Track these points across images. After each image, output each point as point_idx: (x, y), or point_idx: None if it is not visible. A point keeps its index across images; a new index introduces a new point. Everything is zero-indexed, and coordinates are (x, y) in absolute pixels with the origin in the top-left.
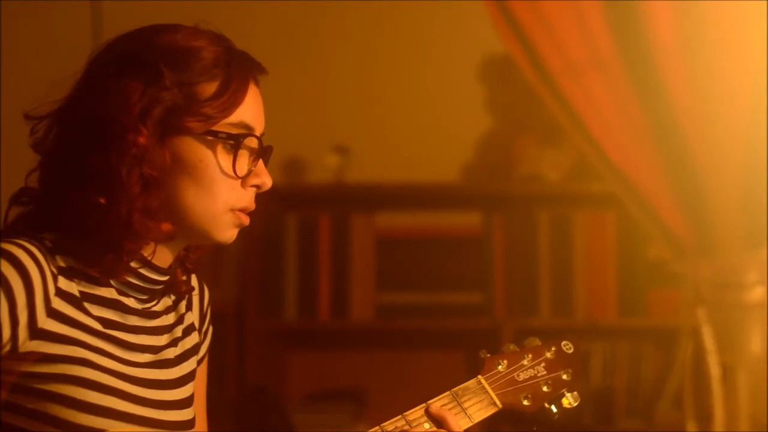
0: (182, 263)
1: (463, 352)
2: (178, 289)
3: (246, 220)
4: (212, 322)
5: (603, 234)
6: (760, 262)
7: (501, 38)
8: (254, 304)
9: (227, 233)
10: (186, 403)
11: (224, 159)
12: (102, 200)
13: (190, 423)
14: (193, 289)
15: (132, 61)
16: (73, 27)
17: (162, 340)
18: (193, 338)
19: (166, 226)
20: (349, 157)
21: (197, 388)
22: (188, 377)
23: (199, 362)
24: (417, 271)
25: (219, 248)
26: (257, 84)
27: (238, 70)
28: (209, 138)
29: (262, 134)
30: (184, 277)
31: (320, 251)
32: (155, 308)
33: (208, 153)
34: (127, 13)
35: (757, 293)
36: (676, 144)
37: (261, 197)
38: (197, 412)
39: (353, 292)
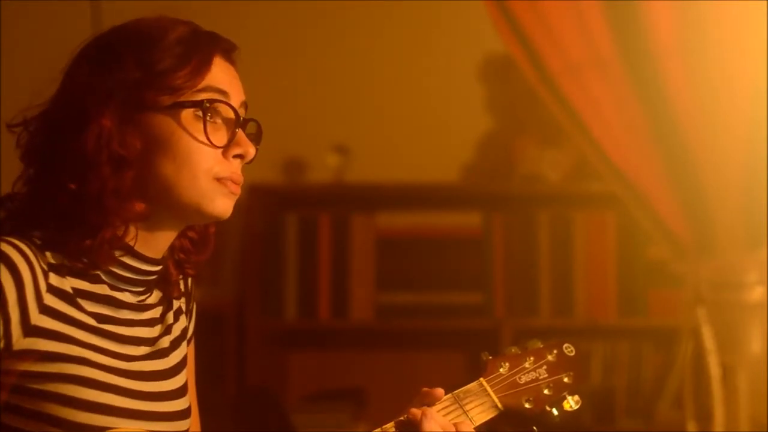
0: (182, 267)
1: (463, 353)
2: (170, 293)
3: (236, 189)
4: (212, 321)
5: (603, 234)
6: (760, 262)
7: (501, 38)
8: (254, 304)
9: (218, 203)
10: (181, 392)
11: (196, 129)
12: (73, 185)
13: (187, 412)
14: (185, 293)
15: (95, 52)
16: (73, 27)
17: (155, 331)
18: (182, 322)
19: (138, 206)
20: (349, 157)
21: (188, 369)
22: (182, 364)
23: (188, 342)
24: (417, 271)
25: (218, 246)
26: (231, 61)
27: (202, 43)
28: (177, 110)
29: (244, 103)
30: (180, 278)
31: (320, 251)
32: (148, 300)
33: (179, 125)
34: (127, 13)
35: (757, 293)
36: (676, 144)
37: (261, 197)
38: (189, 396)
39: (353, 292)
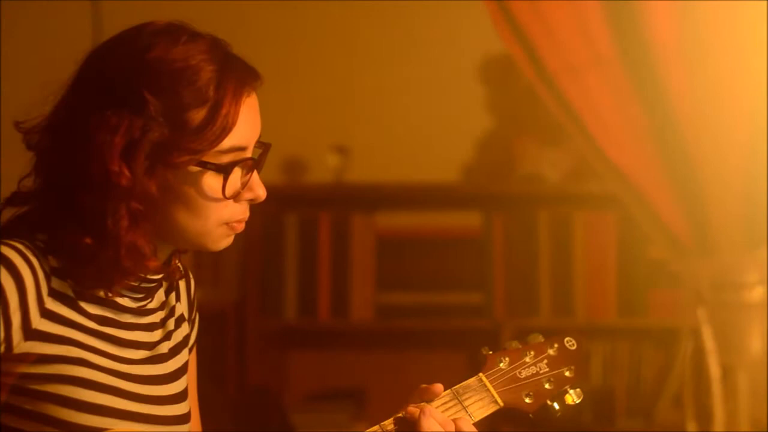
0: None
1: (463, 353)
2: (171, 278)
3: (240, 228)
4: (212, 321)
5: (603, 234)
6: (760, 262)
7: (501, 38)
8: (254, 304)
9: (222, 243)
10: (181, 396)
11: (215, 183)
12: (89, 240)
13: (186, 417)
14: (185, 274)
15: (117, 86)
16: (73, 27)
17: (155, 335)
18: (184, 329)
19: (152, 263)
20: (349, 157)
21: (188, 376)
22: (182, 370)
23: (190, 351)
24: (417, 271)
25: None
26: (254, 89)
27: (231, 88)
28: (198, 168)
29: (258, 139)
30: (178, 263)
31: (320, 251)
32: (149, 306)
33: (197, 181)
34: (127, 13)
35: (757, 293)
36: (676, 144)
37: None
38: (190, 402)
39: (353, 292)
